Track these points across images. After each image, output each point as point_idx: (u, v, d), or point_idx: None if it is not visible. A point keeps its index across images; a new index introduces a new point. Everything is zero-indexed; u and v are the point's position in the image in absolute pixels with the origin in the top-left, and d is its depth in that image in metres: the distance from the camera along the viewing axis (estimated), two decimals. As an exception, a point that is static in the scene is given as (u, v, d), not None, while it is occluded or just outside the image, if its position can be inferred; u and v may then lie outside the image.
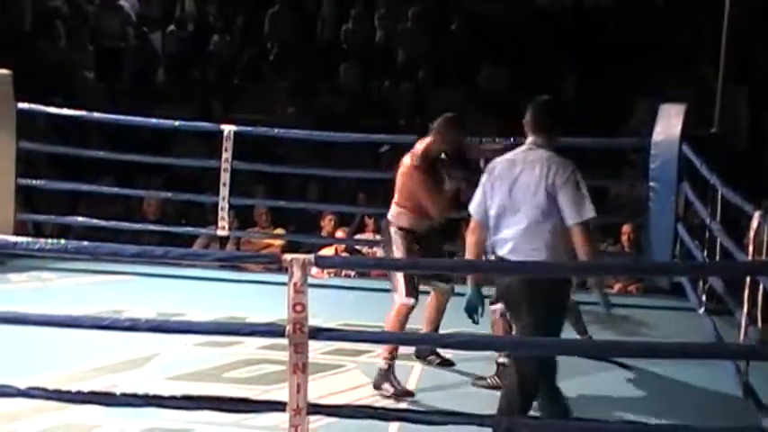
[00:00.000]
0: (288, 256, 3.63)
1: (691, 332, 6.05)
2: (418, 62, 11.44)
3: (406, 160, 5.35)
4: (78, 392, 4.21)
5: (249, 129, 7.94)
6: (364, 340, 4.84)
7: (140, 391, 4.25)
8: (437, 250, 5.42)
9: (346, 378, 5.24)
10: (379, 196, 9.34)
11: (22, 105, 7.47)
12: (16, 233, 7.00)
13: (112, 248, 4.03)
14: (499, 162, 4.20)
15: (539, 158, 4.10)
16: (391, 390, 4.99)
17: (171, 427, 4.48)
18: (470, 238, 4.21)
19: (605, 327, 5.98)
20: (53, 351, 5.17)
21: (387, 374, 5.05)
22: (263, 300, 6.42)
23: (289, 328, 3.60)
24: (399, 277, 5.15)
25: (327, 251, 8.09)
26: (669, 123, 7.17)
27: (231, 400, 4.29)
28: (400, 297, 5.16)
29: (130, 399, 4.29)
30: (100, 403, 4.28)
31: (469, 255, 4.19)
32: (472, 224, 4.24)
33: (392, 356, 5.05)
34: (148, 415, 4.44)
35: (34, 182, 7.96)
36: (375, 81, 11.46)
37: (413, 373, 5.33)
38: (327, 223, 8.63)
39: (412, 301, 5.15)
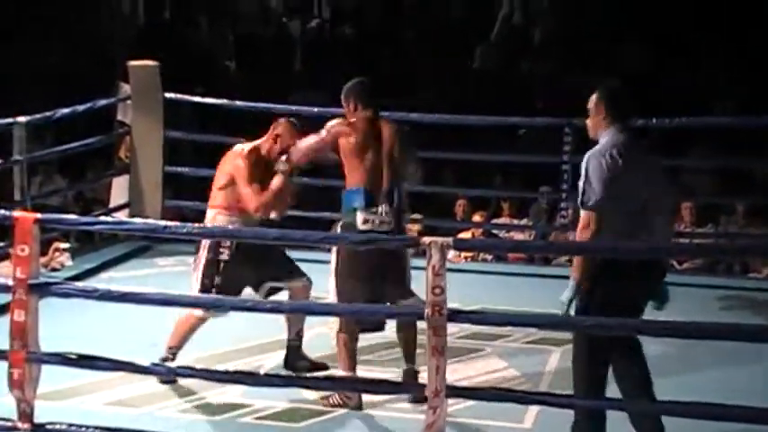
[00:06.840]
0: (426, 239, 3.63)
1: None
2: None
3: (239, 158, 4.79)
4: (224, 372, 4.34)
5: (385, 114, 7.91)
6: (504, 323, 4.79)
7: (282, 372, 4.34)
8: (265, 253, 4.78)
9: (483, 362, 5.22)
10: (516, 178, 9.31)
11: (168, 95, 7.64)
12: (164, 219, 7.17)
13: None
14: None
15: None
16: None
17: (311, 408, 4.56)
18: None
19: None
20: (199, 332, 5.31)
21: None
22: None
23: (428, 310, 3.60)
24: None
25: (464, 235, 8.07)
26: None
27: (371, 381, 4.34)
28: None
29: (273, 379, 4.39)
30: (244, 383, 4.39)
31: None
32: None
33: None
34: (289, 394, 4.54)
35: (180, 169, 7.98)
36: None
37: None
38: (458, 209, 8.62)
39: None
